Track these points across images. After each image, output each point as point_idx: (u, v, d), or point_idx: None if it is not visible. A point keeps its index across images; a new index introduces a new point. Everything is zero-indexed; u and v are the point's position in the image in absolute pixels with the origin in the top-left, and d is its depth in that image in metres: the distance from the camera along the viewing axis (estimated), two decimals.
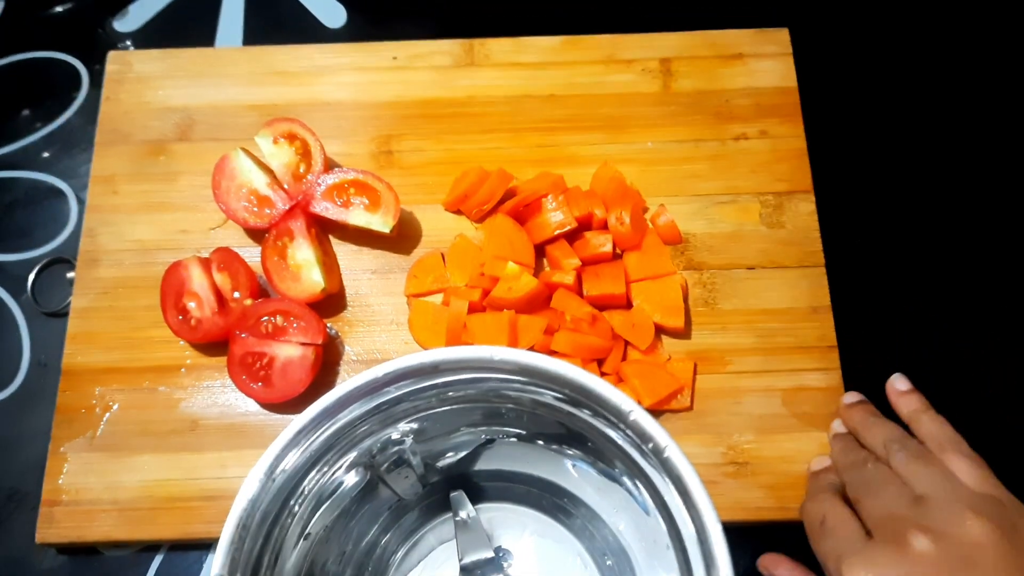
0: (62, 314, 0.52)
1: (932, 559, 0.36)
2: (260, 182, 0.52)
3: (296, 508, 0.35)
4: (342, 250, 0.53)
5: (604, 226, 0.51)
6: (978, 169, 0.58)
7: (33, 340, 0.53)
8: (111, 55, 0.57)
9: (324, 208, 0.51)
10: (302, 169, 0.52)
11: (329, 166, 0.53)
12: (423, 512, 0.44)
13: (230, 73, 0.57)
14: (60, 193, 0.57)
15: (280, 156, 0.52)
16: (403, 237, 0.53)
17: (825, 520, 0.40)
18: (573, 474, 0.42)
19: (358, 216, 0.51)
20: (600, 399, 0.33)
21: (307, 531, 0.36)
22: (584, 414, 0.35)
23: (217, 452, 0.48)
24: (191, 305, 0.49)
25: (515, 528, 0.44)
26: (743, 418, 0.49)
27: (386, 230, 0.51)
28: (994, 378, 0.52)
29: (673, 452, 0.32)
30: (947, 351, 0.53)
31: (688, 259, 0.52)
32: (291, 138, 0.53)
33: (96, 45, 0.61)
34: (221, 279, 0.50)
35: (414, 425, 0.37)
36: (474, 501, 0.46)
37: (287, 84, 0.57)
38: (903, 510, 0.38)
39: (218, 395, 0.49)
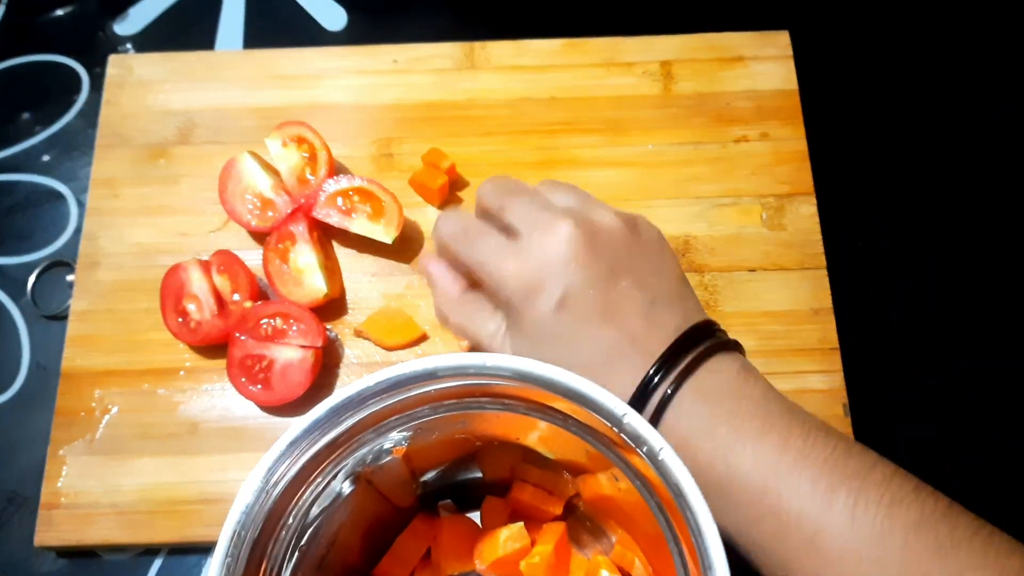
0: (62, 317, 0.52)
1: (568, 236, 0.38)
2: (264, 185, 0.52)
3: (291, 519, 0.35)
4: (343, 253, 0.53)
5: None
6: (979, 170, 0.58)
7: (33, 343, 0.53)
8: (112, 58, 0.58)
9: (327, 214, 0.51)
10: (308, 173, 0.52)
11: (336, 171, 0.53)
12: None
13: (230, 76, 0.57)
14: (60, 196, 0.57)
15: (288, 159, 0.52)
16: (404, 240, 0.52)
17: (467, 230, 0.42)
18: None
19: (361, 225, 0.51)
20: (594, 404, 0.33)
21: (302, 542, 0.36)
22: (573, 428, 0.35)
23: (216, 455, 0.48)
24: (191, 308, 0.49)
25: None
26: None
27: (388, 240, 0.51)
28: (995, 378, 0.52)
29: (668, 455, 0.32)
30: (948, 351, 0.53)
31: (689, 261, 0.52)
32: (300, 141, 0.53)
33: (97, 48, 0.61)
34: (221, 282, 0.50)
35: (407, 433, 0.37)
36: (464, 510, 0.46)
37: (288, 87, 0.57)
38: (537, 212, 0.40)
39: (217, 398, 0.49)
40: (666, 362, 0.37)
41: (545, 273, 0.39)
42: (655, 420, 0.37)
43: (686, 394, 0.37)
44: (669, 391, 0.37)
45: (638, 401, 0.37)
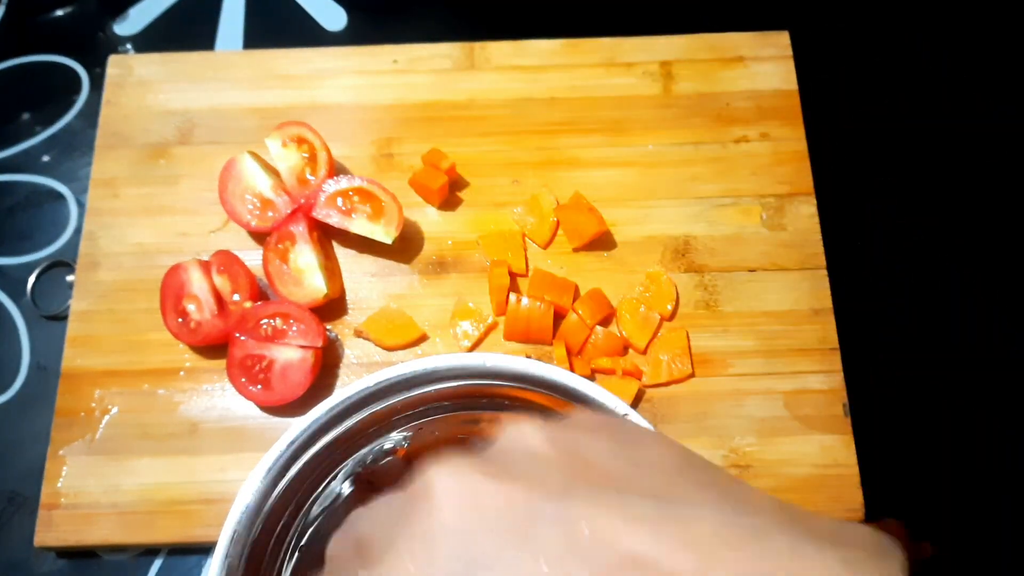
0: (62, 317, 0.52)
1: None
2: (264, 185, 0.52)
3: (291, 519, 0.35)
4: (343, 253, 0.53)
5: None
6: (979, 170, 0.58)
7: (33, 343, 0.53)
8: (112, 59, 0.58)
9: (327, 214, 0.51)
10: (308, 173, 0.52)
11: (336, 171, 0.53)
12: None
13: (230, 77, 0.57)
14: (60, 196, 0.57)
15: (288, 159, 0.52)
16: (404, 240, 0.52)
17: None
18: None
19: (360, 225, 0.51)
20: (594, 404, 0.33)
21: (302, 542, 0.36)
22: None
23: (216, 455, 0.48)
24: (191, 308, 0.49)
25: None
26: (744, 421, 0.49)
27: (388, 240, 0.51)
28: (995, 378, 0.52)
29: None
30: (948, 352, 0.53)
31: (689, 261, 0.52)
32: (300, 142, 0.53)
33: (97, 49, 0.61)
34: (221, 282, 0.50)
35: (407, 433, 0.37)
36: None
37: (288, 87, 0.57)
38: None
39: (217, 398, 0.49)
40: None
41: None
42: None
43: None
44: None
45: None
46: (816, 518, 0.24)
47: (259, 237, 0.53)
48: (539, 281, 0.51)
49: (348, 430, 0.35)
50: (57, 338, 0.51)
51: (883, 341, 0.53)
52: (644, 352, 0.50)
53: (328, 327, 0.51)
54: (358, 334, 0.51)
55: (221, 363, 0.49)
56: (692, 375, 0.50)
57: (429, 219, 0.54)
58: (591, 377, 0.49)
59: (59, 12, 0.63)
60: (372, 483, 0.39)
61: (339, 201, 0.51)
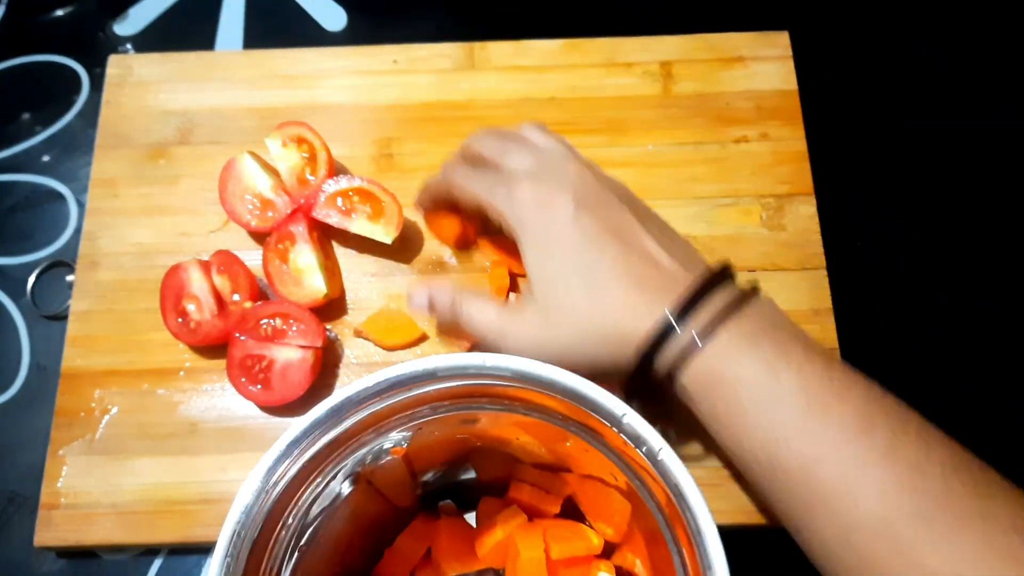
0: (62, 317, 0.52)
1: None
2: (264, 185, 0.52)
3: (291, 519, 0.35)
4: (342, 253, 0.53)
5: None
6: (979, 170, 0.58)
7: (33, 343, 0.53)
8: (112, 59, 0.58)
9: (326, 214, 0.51)
10: (308, 173, 0.52)
11: (336, 171, 0.53)
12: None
13: (230, 77, 0.57)
14: (60, 196, 0.57)
15: (288, 159, 0.52)
16: (404, 240, 0.52)
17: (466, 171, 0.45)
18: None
19: (360, 225, 0.51)
20: (594, 404, 0.33)
21: (302, 542, 0.36)
22: (573, 428, 0.35)
23: (216, 455, 0.48)
24: (190, 308, 0.49)
25: None
26: None
27: (388, 240, 0.51)
28: (996, 379, 0.52)
29: (667, 455, 0.32)
30: (949, 352, 0.53)
31: None
32: (299, 142, 0.53)
33: (96, 49, 0.61)
34: (221, 282, 0.50)
35: (407, 433, 0.37)
36: (465, 510, 0.46)
37: (287, 87, 0.57)
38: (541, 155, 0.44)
39: (217, 398, 0.49)
40: (697, 297, 0.38)
41: (558, 188, 0.41)
42: (682, 359, 0.37)
43: (730, 325, 0.37)
44: (702, 330, 0.37)
45: (663, 335, 0.37)
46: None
47: (259, 237, 0.53)
48: None
49: (348, 430, 0.35)
50: (57, 338, 0.51)
51: (883, 341, 0.53)
52: None
53: (328, 327, 0.51)
54: (358, 334, 0.51)
55: (221, 363, 0.49)
56: None
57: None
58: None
59: (59, 12, 0.63)
60: (372, 483, 0.39)
61: (339, 201, 0.51)
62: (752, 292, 0.40)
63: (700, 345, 0.37)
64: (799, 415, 0.35)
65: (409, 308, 0.49)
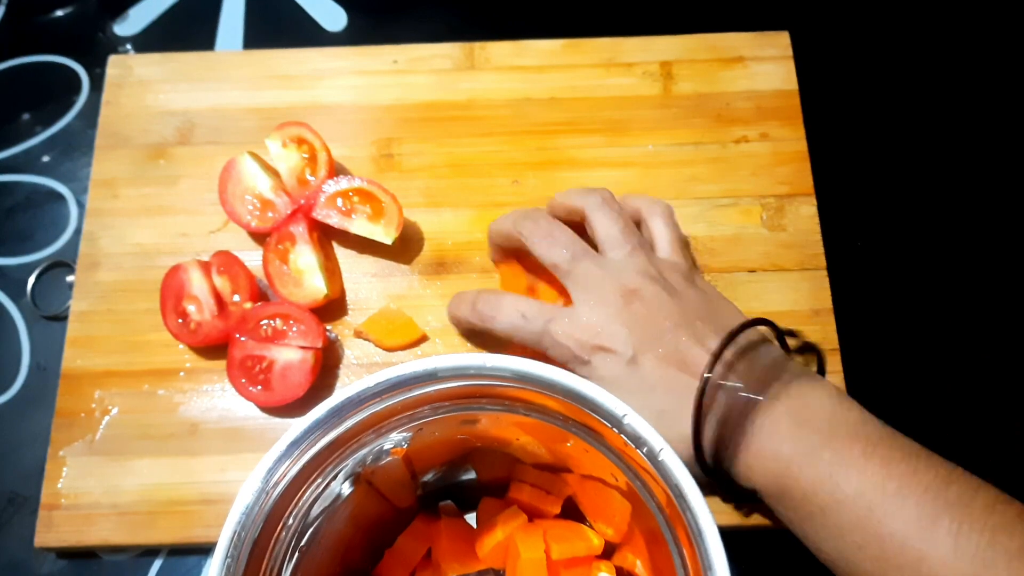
0: (62, 318, 0.52)
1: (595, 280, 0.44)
2: (264, 186, 0.52)
3: (291, 519, 0.35)
4: (343, 254, 0.53)
5: None
6: (980, 170, 0.58)
7: (33, 344, 0.53)
8: (112, 59, 0.58)
9: (326, 215, 0.51)
10: (308, 174, 0.52)
11: (336, 171, 0.53)
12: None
13: (230, 77, 0.57)
14: (60, 197, 0.57)
15: (288, 160, 0.52)
16: (404, 241, 0.52)
17: (524, 313, 0.45)
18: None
19: (360, 226, 0.51)
20: (594, 405, 0.33)
21: (302, 542, 0.36)
22: (574, 429, 0.35)
23: (216, 456, 0.48)
24: (191, 308, 0.49)
25: None
26: None
27: (388, 241, 0.51)
28: (996, 379, 0.52)
29: (668, 455, 0.32)
30: (949, 353, 0.53)
31: None
32: (299, 142, 0.53)
33: (96, 49, 0.61)
34: (221, 282, 0.50)
35: (408, 434, 0.37)
36: (465, 511, 0.46)
37: (287, 88, 0.57)
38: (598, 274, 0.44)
39: (217, 399, 0.49)
40: (719, 353, 0.40)
41: (608, 334, 0.42)
42: (738, 428, 0.40)
43: (782, 416, 0.38)
44: (739, 391, 0.39)
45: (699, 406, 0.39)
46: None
47: (259, 238, 0.53)
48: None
49: (348, 430, 0.35)
50: (57, 338, 0.51)
51: (883, 341, 0.53)
52: None
53: (328, 328, 0.51)
54: (358, 335, 0.51)
55: (221, 364, 0.49)
56: None
57: (429, 219, 0.54)
58: None
59: (59, 12, 0.63)
60: (372, 484, 0.39)
61: (339, 202, 0.51)
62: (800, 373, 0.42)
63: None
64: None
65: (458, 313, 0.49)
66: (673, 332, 0.41)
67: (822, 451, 0.37)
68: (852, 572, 0.37)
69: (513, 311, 0.45)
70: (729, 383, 0.40)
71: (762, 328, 0.43)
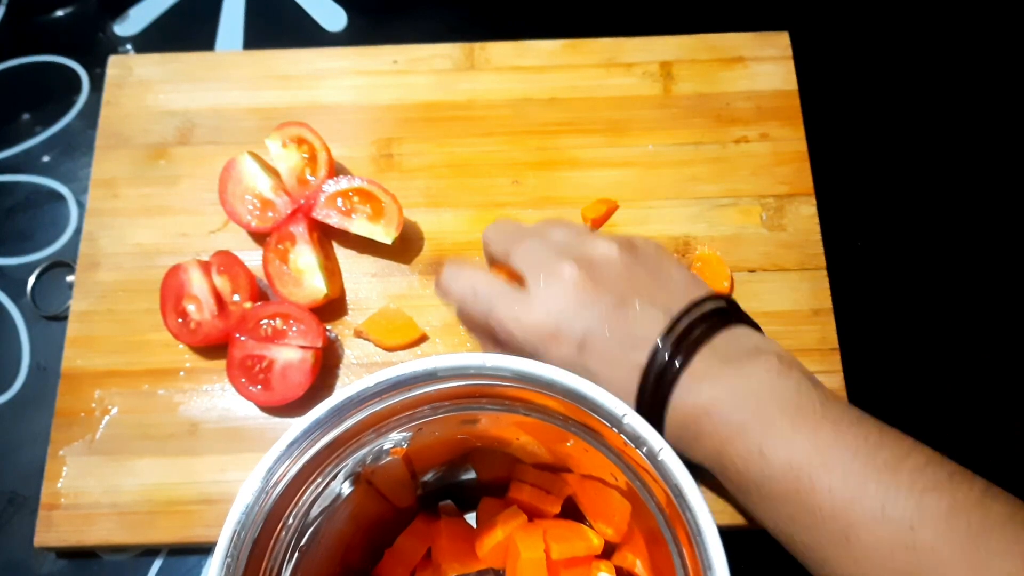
0: (62, 318, 0.52)
1: (573, 279, 0.41)
2: (264, 186, 0.52)
3: (291, 519, 0.35)
4: (343, 254, 0.53)
5: None
6: (980, 170, 0.58)
7: (33, 344, 0.53)
8: (112, 59, 0.58)
9: (326, 215, 0.51)
10: (308, 174, 0.52)
11: (336, 171, 0.53)
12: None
13: (231, 77, 0.57)
14: (60, 197, 0.57)
15: (288, 160, 0.52)
16: (404, 241, 0.52)
17: (476, 288, 0.43)
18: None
19: (360, 225, 0.51)
20: (594, 404, 0.33)
21: (302, 542, 0.36)
22: (573, 429, 0.35)
23: (216, 456, 0.48)
24: (191, 308, 0.49)
25: None
26: None
27: (388, 241, 0.51)
28: (996, 379, 0.52)
29: (667, 455, 0.32)
30: (949, 352, 0.53)
31: (689, 262, 0.52)
32: (299, 142, 0.53)
33: (97, 49, 0.61)
34: (221, 282, 0.50)
35: (407, 434, 0.37)
36: (465, 510, 0.46)
37: (288, 88, 0.57)
38: (539, 256, 0.42)
39: (217, 398, 0.49)
40: (669, 329, 0.39)
41: (559, 320, 0.40)
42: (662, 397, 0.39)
43: (723, 393, 0.38)
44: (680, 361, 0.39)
45: (655, 383, 0.39)
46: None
47: (259, 237, 0.53)
48: None
49: (348, 430, 0.35)
50: (57, 338, 0.51)
51: (883, 341, 0.53)
52: None
53: (328, 327, 0.51)
54: (358, 334, 0.51)
55: (221, 363, 0.49)
56: None
57: (429, 219, 0.54)
58: None
59: (59, 12, 0.63)
60: (372, 483, 0.39)
61: (339, 202, 0.51)
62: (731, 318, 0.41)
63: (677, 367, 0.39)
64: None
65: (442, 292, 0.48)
66: (621, 312, 0.40)
67: (753, 425, 0.37)
68: (790, 544, 0.37)
69: (467, 285, 0.44)
70: (675, 361, 0.39)
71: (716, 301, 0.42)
